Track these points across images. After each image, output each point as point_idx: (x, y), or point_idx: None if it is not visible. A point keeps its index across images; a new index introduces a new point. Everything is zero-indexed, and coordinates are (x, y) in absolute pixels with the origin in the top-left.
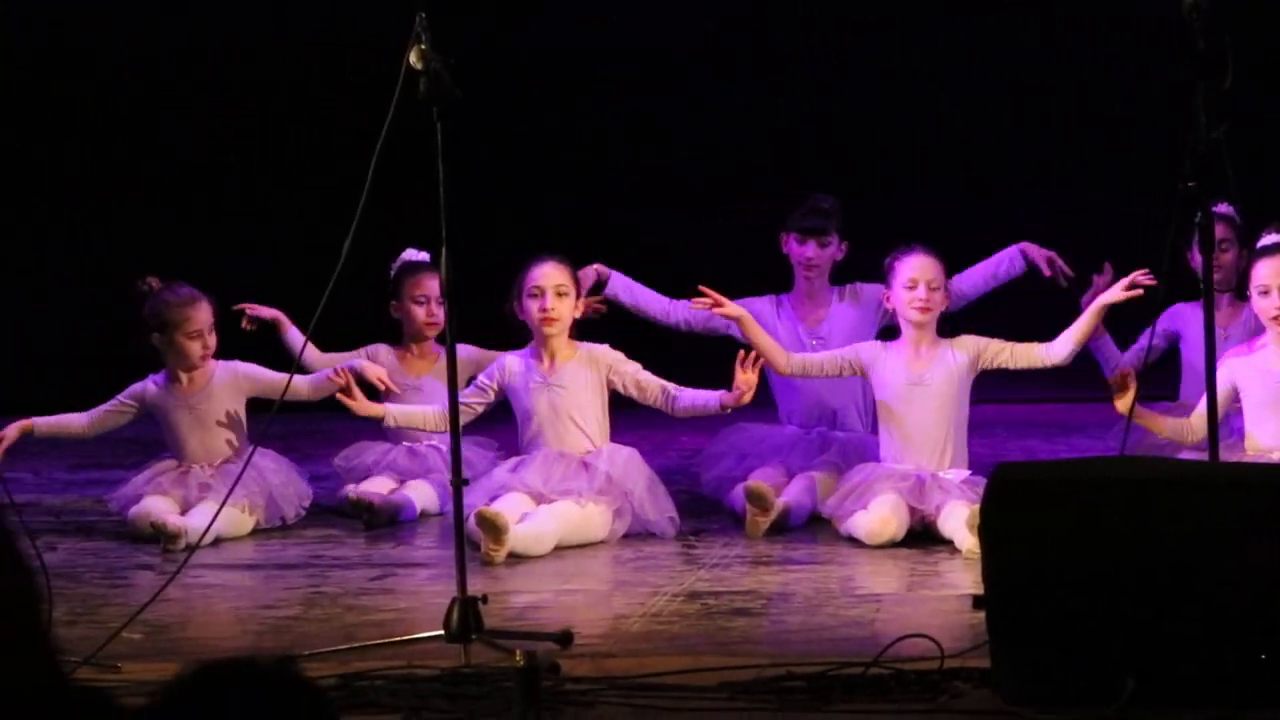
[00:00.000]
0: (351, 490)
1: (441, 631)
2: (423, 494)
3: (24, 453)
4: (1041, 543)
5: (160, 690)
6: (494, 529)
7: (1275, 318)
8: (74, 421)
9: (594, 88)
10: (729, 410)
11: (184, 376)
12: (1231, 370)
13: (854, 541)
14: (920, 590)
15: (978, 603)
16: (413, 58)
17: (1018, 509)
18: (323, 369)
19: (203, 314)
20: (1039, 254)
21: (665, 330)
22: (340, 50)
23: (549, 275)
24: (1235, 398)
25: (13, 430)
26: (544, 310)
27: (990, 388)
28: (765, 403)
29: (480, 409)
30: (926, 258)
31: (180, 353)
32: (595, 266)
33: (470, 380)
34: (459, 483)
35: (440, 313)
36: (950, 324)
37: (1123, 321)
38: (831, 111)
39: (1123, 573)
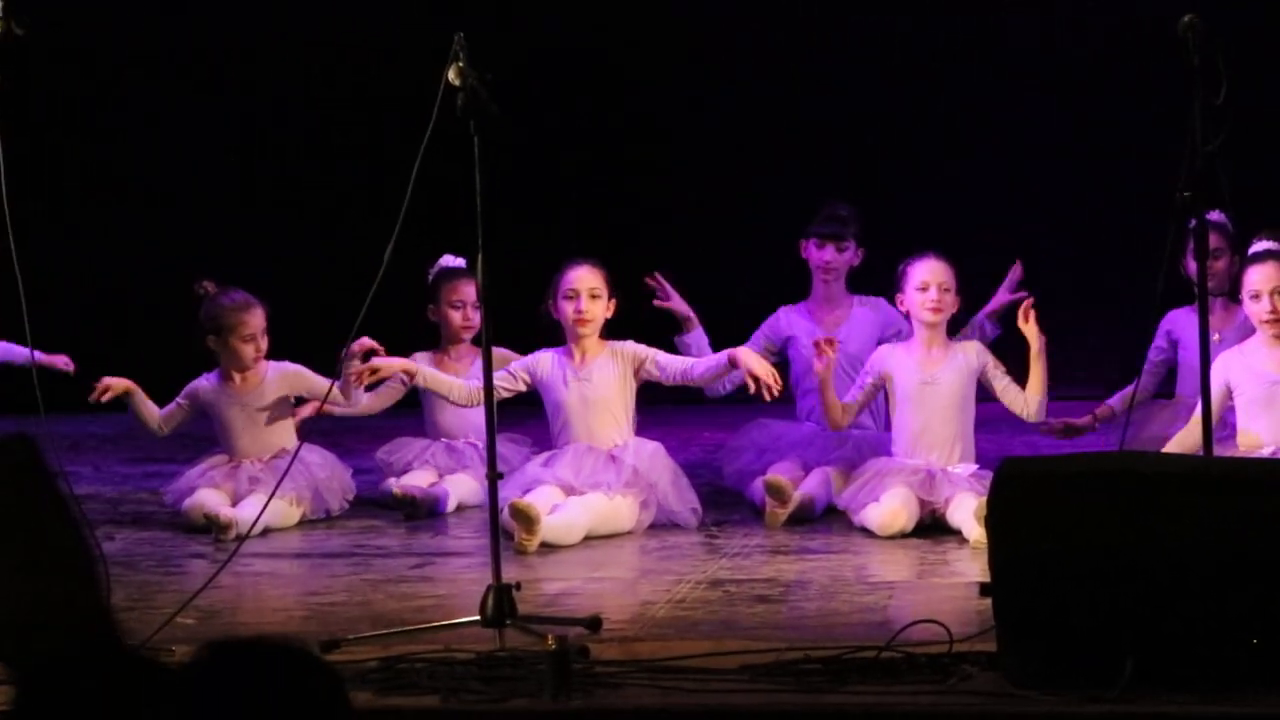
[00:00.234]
0: (395, 485)
1: (478, 617)
2: (464, 487)
3: (83, 447)
4: (1045, 533)
5: (179, 669)
6: (527, 520)
7: (1266, 321)
8: (153, 413)
9: (630, 89)
10: (735, 370)
11: (237, 376)
12: (1226, 368)
13: (867, 532)
14: (930, 578)
15: (985, 590)
16: (451, 74)
17: (1022, 501)
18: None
19: (256, 319)
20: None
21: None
22: (386, 56)
23: (583, 279)
24: (1230, 394)
25: (120, 383)
26: (578, 312)
27: None
28: (784, 400)
29: (505, 393)
30: (938, 262)
31: (235, 355)
32: (687, 314)
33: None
34: (494, 476)
35: (476, 317)
36: None
37: (1123, 322)
38: (842, 116)
39: (1123, 561)
